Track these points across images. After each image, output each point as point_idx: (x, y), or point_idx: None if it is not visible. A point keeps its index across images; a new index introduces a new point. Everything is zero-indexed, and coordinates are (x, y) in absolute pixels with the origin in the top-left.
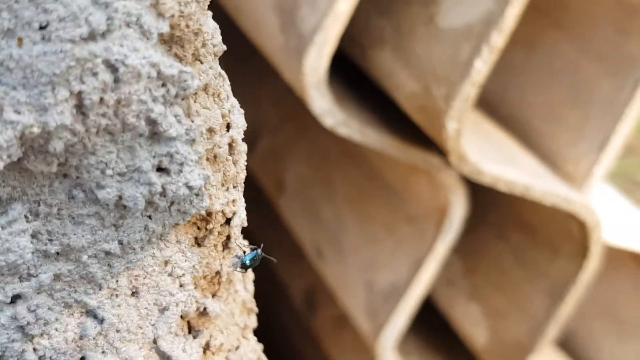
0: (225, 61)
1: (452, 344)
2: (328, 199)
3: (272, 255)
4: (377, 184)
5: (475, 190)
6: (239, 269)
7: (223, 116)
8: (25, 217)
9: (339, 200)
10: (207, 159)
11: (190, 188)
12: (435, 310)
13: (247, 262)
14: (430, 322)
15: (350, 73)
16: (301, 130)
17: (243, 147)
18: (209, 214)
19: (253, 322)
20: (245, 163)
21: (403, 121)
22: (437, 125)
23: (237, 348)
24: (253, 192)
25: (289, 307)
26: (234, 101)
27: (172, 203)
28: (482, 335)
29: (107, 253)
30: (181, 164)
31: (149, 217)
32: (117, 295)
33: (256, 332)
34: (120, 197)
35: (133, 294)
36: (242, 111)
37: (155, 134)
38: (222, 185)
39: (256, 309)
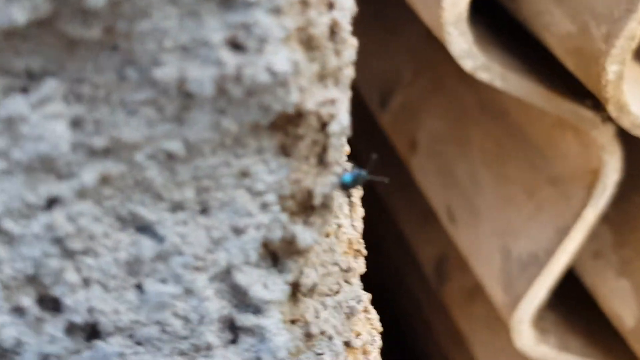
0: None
1: (595, 322)
2: (463, 157)
3: (405, 221)
4: (518, 141)
5: (629, 152)
6: (337, 189)
7: None
8: (65, 98)
9: (475, 158)
10: (299, 41)
11: (273, 74)
12: (575, 283)
13: (348, 181)
14: (570, 297)
15: (494, 19)
16: (437, 84)
17: (351, 39)
18: (299, 114)
19: (360, 266)
20: (353, 58)
21: (550, 73)
22: (595, 69)
23: (336, 292)
24: (386, 152)
25: (419, 275)
26: None
27: (249, 93)
28: (632, 315)
29: (169, 155)
30: (262, 41)
31: (222, 111)
32: (182, 210)
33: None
34: (182, 80)
35: (202, 210)
36: None
37: None
38: (319, 79)
39: (364, 252)
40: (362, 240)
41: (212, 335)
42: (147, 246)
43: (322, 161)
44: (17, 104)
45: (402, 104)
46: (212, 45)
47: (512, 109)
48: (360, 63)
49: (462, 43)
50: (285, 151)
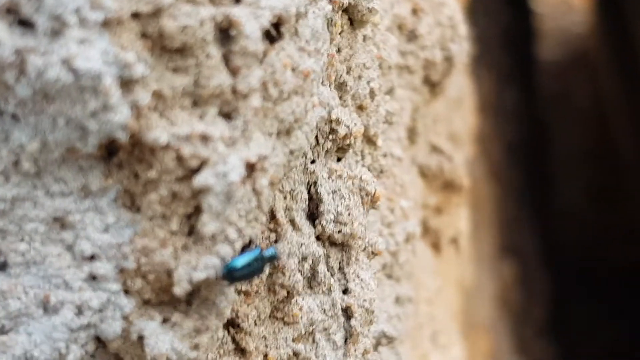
0: None
1: None
2: None
3: None
4: None
5: None
6: (219, 278)
7: None
8: None
9: None
10: (141, 35)
11: (75, 72)
12: None
13: (237, 267)
14: None
15: None
16: None
17: (277, 56)
18: (148, 148)
19: None
20: (287, 86)
21: None
22: None
23: None
24: None
25: None
26: None
27: (44, 96)
28: None
29: None
30: (58, 21)
31: (12, 116)
32: None
33: None
34: None
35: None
36: None
37: None
38: (191, 102)
39: None
40: None
41: None
42: None
43: (193, 230)
44: None
45: None
46: None
47: None
48: None
49: None
50: (131, 201)
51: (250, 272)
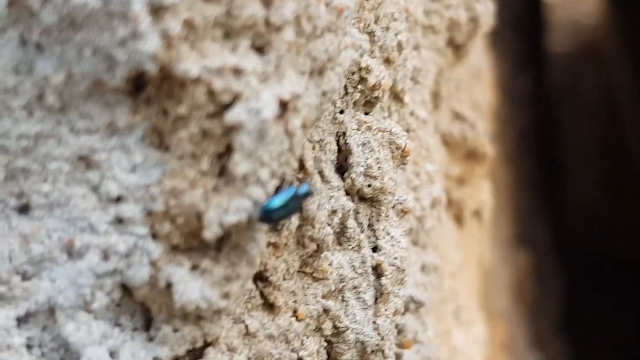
0: None
1: None
2: None
3: None
4: None
5: None
6: (258, 222)
7: None
8: None
9: None
10: None
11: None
12: None
13: (274, 207)
14: None
15: None
16: None
17: None
18: (178, 80)
19: None
20: (322, 23)
21: None
22: None
23: None
24: None
25: None
26: None
27: (70, 23)
28: None
29: None
30: None
31: (36, 46)
32: None
33: None
34: None
35: (21, 208)
36: None
37: None
38: (223, 33)
39: None
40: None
41: None
42: None
43: (224, 170)
44: None
45: None
46: None
47: None
48: None
49: None
50: (160, 140)
51: (287, 212)
